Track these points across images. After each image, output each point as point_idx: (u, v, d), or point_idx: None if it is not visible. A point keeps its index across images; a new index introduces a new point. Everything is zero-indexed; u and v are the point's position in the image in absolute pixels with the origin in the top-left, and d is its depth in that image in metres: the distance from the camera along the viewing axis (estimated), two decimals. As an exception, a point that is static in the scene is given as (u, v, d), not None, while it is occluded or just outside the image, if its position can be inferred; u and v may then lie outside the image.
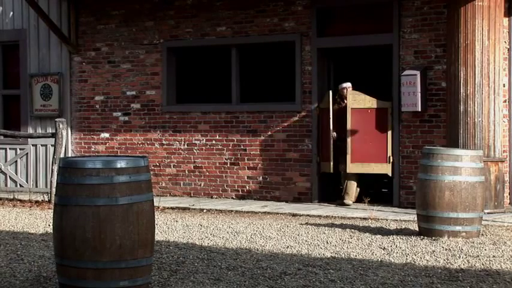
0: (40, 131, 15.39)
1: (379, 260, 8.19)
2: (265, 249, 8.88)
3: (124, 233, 6.29)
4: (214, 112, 14.16)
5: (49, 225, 10.73)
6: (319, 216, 11.79)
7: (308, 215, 11.93)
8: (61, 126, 13.43)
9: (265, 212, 12.33)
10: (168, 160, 14.54)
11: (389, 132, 12.66)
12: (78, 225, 6.26)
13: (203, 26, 14.22)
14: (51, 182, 13.05)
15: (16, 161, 15.82)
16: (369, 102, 12.71)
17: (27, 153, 15.70)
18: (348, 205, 12.68)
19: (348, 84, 12.97)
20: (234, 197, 13.92)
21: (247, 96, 14.13)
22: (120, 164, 6.37)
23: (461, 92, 11.76)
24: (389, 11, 12.74)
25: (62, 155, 13.36)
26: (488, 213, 11.11)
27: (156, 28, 14.62)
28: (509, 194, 12.29)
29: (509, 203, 12.27)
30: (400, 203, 12.59)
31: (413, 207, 10.71)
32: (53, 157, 13.44)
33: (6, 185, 15.80)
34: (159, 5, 14.56)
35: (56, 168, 12.58)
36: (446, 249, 8.77)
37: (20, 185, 15.70)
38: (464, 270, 7.67)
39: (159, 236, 9.50)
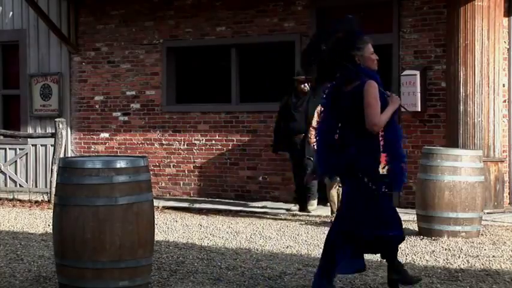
0: (40, 131, 15.38)
1: (379, 260, 8.17)
2: (264, 249, 8.88)
3: (123, 233, 6.29)
4: (214, 112, 14.15)
5: (49, 225, 10.72)
6: (319, 216, 11.78)
7: (308, 215, 11.92)
8: (61, 126, 13.43)
9: (264, 212, 12.33)
10: (168, 160, 14.53)
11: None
12: (78, 226, 6.26)
13: (203, 26, 14.21)
14: (50, 182, 13.04)
15: (16, 161, 15.81)
16: None
17: (26, 153, 15.69)
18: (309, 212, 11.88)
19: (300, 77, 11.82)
20: (233, 197, 13.91)
21: (247, 96, 14.11)
22: (120, 164, 6.37)
23: (461, 92, 11.75)
24: (389, 11, 12.74)
25: (61, 155, 13.35)
26: (488, 213, 11.09)
27: (155, 28, 14.61)
28: (509, 194, 12.29)
29: (509, 203, 12.26)
30: (400, 203, 12.58)
31: (412, 207, 10.70)
32: (53, 157, 13.43)
33: (6, 185, 15.80)
34: (159, 5, 14.55)
35: (55, 168, 12.57)
36: (445, 249, 8.77)
37: (19, 185, 15.69)
38: (463, 270, 7.67)
39: (158, 236, 9.49)
